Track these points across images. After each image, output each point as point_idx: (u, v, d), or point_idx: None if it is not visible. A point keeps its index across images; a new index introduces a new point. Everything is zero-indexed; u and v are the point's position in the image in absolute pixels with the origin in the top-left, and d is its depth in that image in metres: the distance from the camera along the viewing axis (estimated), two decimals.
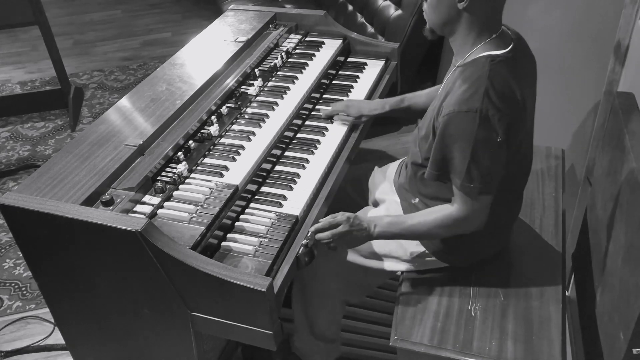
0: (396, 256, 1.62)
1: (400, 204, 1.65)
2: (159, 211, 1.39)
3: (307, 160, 1.65)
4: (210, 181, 1.49)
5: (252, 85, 1.86)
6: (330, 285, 1.71)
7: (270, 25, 2.17)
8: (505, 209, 1.56)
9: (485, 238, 1.56)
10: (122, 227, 1.20)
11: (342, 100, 1.90)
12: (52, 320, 2.21)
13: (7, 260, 2.59)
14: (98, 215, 1.25)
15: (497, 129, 1.28)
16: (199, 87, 1.76)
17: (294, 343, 1.85)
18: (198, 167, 1.55)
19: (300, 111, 1.82)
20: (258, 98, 1.83)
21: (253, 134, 1.67)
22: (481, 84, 1.29)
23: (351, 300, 1.83)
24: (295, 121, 1.78)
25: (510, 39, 1.37)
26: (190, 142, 1.60)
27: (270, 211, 1.46)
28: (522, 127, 1.38)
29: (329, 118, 1.81)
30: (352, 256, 1.66)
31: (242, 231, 1.41)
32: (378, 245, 1.62)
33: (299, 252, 1.35)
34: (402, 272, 1.64)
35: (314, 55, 2.05)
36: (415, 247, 1.59)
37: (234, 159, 1.58)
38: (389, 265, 1.64)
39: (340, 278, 1.70)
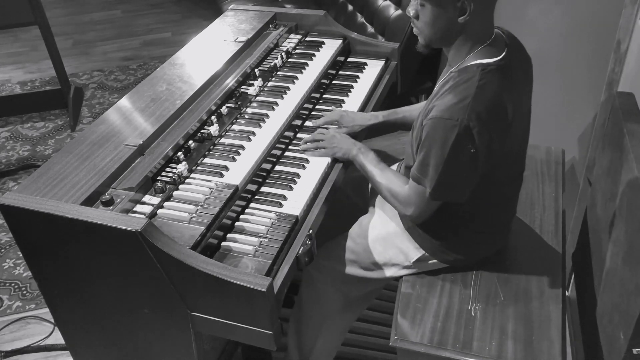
0: (397, 263, 1.62)
1: (400, 217, 1.64)
2: (159, 211, 1.39)
3: (307, 160, 1.65)
4: (210, 181, 1.49)
5: (252, 85, 1.86)
6: (329, 301, 1.70)
7: (270, 25, 2.17)
8: (500, 210, 1.56)
9: (483, 238, 1.57)
10: (122, 227, 1.20)
11: (341, 100, 1.90)
12: (52, 320, 2.21)
13: (7, 260, 2.59)
14: (98, 215, 1.25)
15: (475, 141, 1.28)
16: (199, 87, 1.76)
17: None
18: (198, 167, 1.55)
19: (300, 111, 1.82)
20: (258, 98, 1.83)
21: (253, 134, 1.67)
22: (468, 93, 1.28)
23: (346, 325, 1.82)
24: (295, 121, 1.78)
25: (504, 43, 1.36)
26: (190, 142, 1.60)
27: (270, 211, 1.46)
28: (507, 137, 1.37)
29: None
30: (352, 269, 1.66)
31: (242, 231, 1.41)
32: (378, 254, 1.63)
33: (299, 252, 1.35)
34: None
35: (314, 55, 2.05)
36: (415, 251, 1.59)
37: (234, 159, 1.58)
38: (390, 272, 1.64)
39: (339, 292, 1.69)
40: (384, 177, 1.53)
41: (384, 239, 1.62)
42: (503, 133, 1.34)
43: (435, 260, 1.59)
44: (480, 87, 1.29)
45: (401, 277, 1.63)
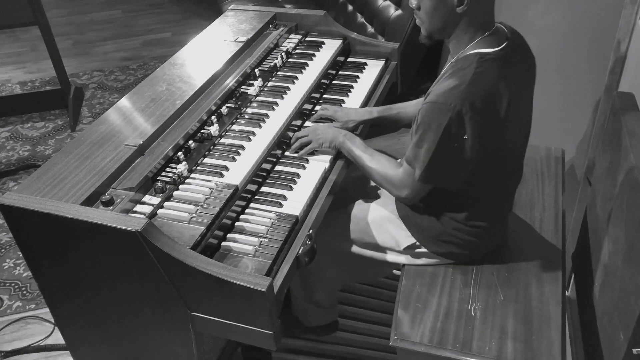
0: (389, 247, 1.65)
1: (396, 204, 1.65)
2: (159, 211, 1.39)
3: (307, 160, 1.65)
4: (210, 181, 1.49)
5: (252, 85, 1.86)
6: (329, 270, 1.75)
7: (270, 25, 2.17)
8: (494, 205, 1.57)
9: (477, 232, 1.57)
10: (122, 227, 1.20)
11: (342, 100, 1.91)
12: (52, 320, 2.21)
13: (7, 260, 2.59)
14: (98, 215, 1.25)
15: (466, 127, 1.30)
16: (199, 87, 1.76)
17: (291, 307, 1.91)
18: (198, 167, 1.55)
19: (301, 111, 1.82)
20: (258, 98, 1.83)
21: (253, 134, 1.67)
22: (464, 80, 1.30)
23: (346, 282, 1.87)
24: (295, 121, 1.78)
25: (505, 37, 1.38)
26: (190, 142, 1.60)
27: (270, 211, 1.46)
28: (501, 128, 1.38)
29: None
30: (350, 246, 1.69)
31: (242, 231, 1.41)
32: (371, 237, 1.65)
33: (299, 252, 1.35)
34: (402, 268, 1.65)
35: (314, 55, 2.05)
36: (406, 239, 1.61)
37: (234, 159, 1.58)
38: (388, 256, 1.67)
39: (339, 264, 1.74)
40: (375, 161, 1.54)
41: (378, 223, 1.65)
42: (496, 123, 1.35)
43: (425, 250, 1.60)
44: (477, 74, 1.31)
45: (400, 265, 1.65)
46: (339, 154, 1.66)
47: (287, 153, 1.69)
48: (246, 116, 1.76)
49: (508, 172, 1.54)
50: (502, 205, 1.60)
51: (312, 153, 1.67)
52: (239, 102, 1.79)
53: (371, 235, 1.65)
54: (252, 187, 1.54)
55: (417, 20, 1.43)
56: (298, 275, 1.81)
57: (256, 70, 1.93)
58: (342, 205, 1.78)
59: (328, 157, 1.65)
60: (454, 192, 1.46)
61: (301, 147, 1.67)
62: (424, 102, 1.37)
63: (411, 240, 1.60)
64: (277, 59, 1.99)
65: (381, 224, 1.64)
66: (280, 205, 1.49)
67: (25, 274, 2.51)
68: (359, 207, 1.71)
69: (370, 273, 1.85)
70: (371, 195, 1.84)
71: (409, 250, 1.62)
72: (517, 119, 1.43)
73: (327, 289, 1.83)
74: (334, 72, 2.06)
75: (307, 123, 1.82)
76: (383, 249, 1.66)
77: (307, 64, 2.00)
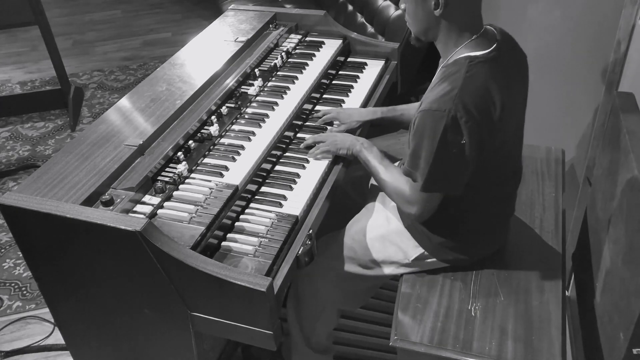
0: (396, 261, 1.62)
1: (400, 215, 1.65)
2: (159, 211, 1.39)
3: (307, 160, 1.65)
4: (210, 181, 1.49)
5: (252, 85, 1.86)
6: (327, 296, 1.72)
7: (270, 25, 2.17)
8: (497, 209, 1.56)
9: (481, 238, 1.57)
10: (122, 227, 1.20)
11: (342, 100, 1.91)
12: (52, 320, 2.21)
13: (7, 260, 2.59)
14: (98, 215, 1.25)
15: (462, 132, 1.29)
16: (199, 87, 1.76)
17: (286, 354, 1.86)
18: (198, 167, 1.55)
19: (301, 111, 1.82)
20: (258, 98, 1.84)
21: (253, 134, 1.67)
22: (456, 84, 1.30)
23: (347, 310, 1.84)
24: (295, 121, 1.78)
25: (495, 38, 1.37)
26: (190, 142, 1.60)
27: (270, 211, 1.46)
28: (497, 129, 1.37)
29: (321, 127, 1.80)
30: (350, 266, 1.66)
31: (242, 231, 1.41)
32: (376, 252, 1.63)
33: (299, 252, 1.35)
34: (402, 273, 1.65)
35: (314, 55, 2.05)
36: (415, 249, 1.59)
37: (234, 159, 1.58)
38: (388, 270, 1.64)
39: (338, 288, 1.70)
40: (389, 174, 1.52)
41: (383, 236, 1.63)
42: (492, 125, 1.35)
43: (434, 259, 1.59)
44: (468, 78, 1.30)
45: (401, 275, 1.63)
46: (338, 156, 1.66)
47: (287, 154, 1.69)
48: (246, 116, 1.76)
49: (507, 174, 1.53)
50: (504, 208, 1.60)
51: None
52: (239, 102, 1.79)
53: (375, 250, 1.62)
54: (252, 187, 1.54)
55: (407, 23, 1.44)
56: (295, 318, 1.78)
57: (256, 70, 1.93)
58: (340, 206, 1.77)
59: (329, 157, 1.65)
60: (456, 198, 1.45)
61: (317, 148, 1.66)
62: (418, 110, 1.35)
63: (419, 250, 1.58)
64: (277, 58, 1.99)
65: (387, 237, 1.62)
66: (280, 205, 1.49)
67: (25, 274, 2.51)
68: (356, 225, 1.68)
69: (369, 288, 1.80)
70: (370, 197, 1.84)
71: (417, 261, 1.60)
72: (512, 119, 1.43)
73: (325, 323, 1.78)
74: (334, 72, 2.06)
75: (308, 123, 1.82)
76: (385, 264, 1.63)
77: (307, 64, 2.00)
